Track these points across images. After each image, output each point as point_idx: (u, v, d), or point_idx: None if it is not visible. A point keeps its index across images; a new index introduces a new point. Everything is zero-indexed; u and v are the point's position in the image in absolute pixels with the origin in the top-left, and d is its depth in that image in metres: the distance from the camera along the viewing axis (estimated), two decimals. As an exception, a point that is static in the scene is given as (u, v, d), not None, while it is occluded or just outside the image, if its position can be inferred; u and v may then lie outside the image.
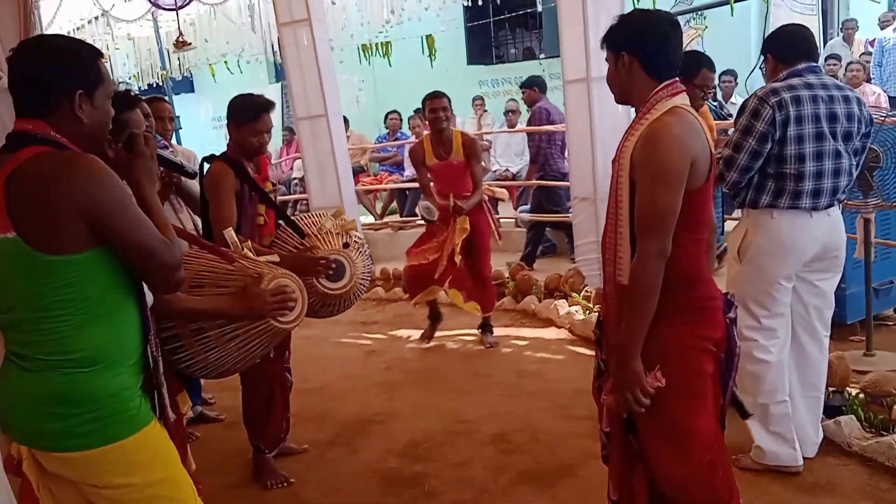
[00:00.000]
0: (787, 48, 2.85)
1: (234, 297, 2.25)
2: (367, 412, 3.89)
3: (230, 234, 2.47)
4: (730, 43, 9.02)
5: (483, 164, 5.72)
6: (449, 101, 4.63)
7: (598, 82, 4.97)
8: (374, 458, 3.38)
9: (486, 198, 4.88)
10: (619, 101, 2.02)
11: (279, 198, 8.77)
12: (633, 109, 1.99)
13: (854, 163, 2.81)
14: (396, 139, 9.17)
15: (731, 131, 2.96)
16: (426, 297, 4.76)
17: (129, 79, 10.47)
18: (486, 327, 4.91)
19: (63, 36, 1.73)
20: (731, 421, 3.31)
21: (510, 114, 8.60)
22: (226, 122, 3.11)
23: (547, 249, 7.10)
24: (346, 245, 3.10)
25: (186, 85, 13.75)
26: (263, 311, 2.25)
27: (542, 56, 11.46)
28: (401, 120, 9.38)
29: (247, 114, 2.99)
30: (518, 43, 12.35)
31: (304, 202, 7.66)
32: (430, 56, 9.25)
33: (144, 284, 1.73)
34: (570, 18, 5.10)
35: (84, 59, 1.63)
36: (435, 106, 4.57)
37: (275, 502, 3.07)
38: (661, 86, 1.89)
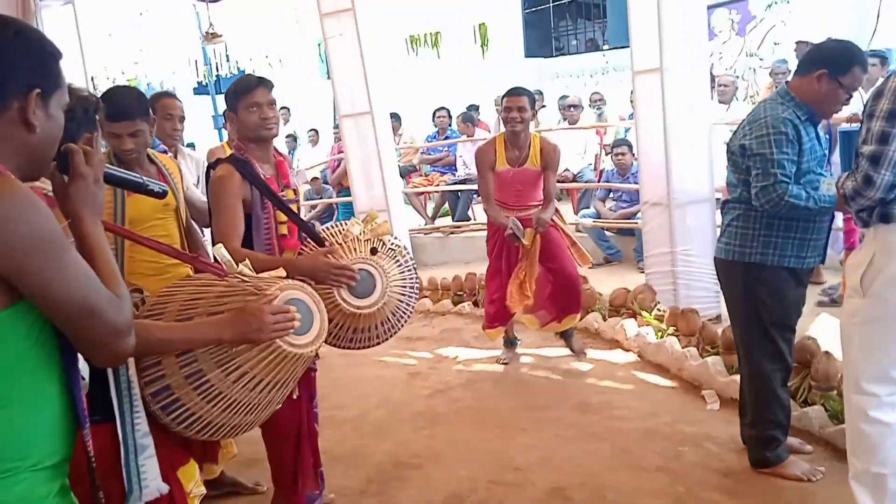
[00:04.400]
0: None
1: (225, 318, 1.75)
2: (405, 452, 3.41)
3: (221, 251, 1.98)
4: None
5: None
6: (532, 99, 4.06)
7: (672, 72, 4.36)
8: (408, 514, 2.91)
9: (557, 208, 4.31)
10: None
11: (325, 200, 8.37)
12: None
13: None
14: (446, 138, 8.70)
15: (855, 127, 2.36)
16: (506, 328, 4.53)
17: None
18: (568, 334, 4.44)
19: (20, 21, 1.29)
20: (826, 486, 2.74)
21: (571, 109, 8.03)
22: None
23: (611, 257, 6.51)
24: (373, 251, 2.52)
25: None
26: (263, 331, 1.74)
27: (605, 47, 10.78)
28: (449, 117, 8.86)
29: (237, 89, 2.53)
30: (580, 34, 11.66)
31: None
32: (482, 46, 8.67)
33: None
34: (640, 1, 4.49)
35: (48, 53, 1.23)
36: (511, 105, 3.98)
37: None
38: None
